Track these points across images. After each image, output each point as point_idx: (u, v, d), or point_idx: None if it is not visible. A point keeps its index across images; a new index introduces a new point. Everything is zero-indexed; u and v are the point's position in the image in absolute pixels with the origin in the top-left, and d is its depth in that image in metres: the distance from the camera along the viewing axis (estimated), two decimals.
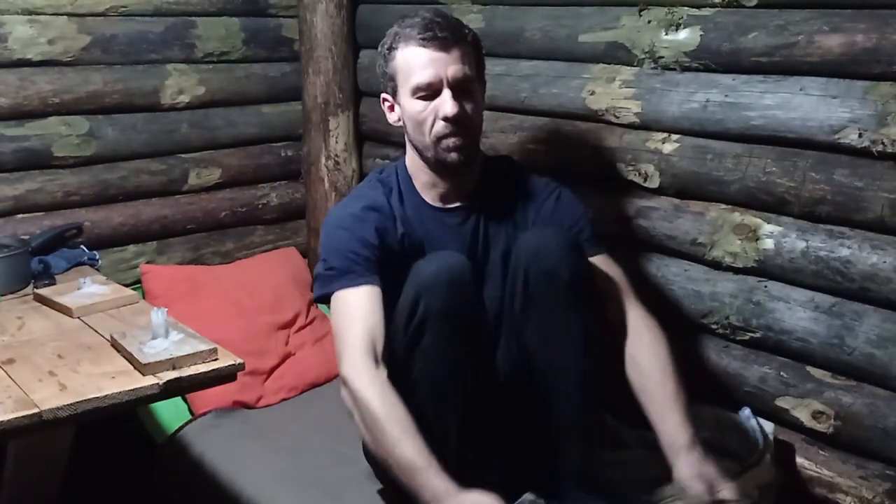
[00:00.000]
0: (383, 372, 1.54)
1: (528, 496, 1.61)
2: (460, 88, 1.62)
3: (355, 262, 1.62)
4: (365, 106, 2.65)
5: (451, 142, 1.64)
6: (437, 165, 1.69)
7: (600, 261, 1.72)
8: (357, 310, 1.58)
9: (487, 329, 1.70)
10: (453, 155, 1.65)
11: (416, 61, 1.61)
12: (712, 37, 1.77)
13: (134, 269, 2.46)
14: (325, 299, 1.65)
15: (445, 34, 1.61)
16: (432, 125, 1.63)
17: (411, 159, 1.75)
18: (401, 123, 1.72)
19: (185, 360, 1.49)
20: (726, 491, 1.45)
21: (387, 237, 1.67)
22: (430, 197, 1.74)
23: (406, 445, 1.45)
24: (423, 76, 1.61)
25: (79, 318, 1.76)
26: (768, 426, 1.74)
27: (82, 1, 2.28)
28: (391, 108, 1.73)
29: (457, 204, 1.74)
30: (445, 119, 1.61)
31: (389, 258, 1.65)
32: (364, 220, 1.66)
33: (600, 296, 1.70)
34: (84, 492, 2.01)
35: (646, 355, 1.64)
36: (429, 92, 1.62)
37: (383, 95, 1.73)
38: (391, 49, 1.66)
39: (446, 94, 1.61)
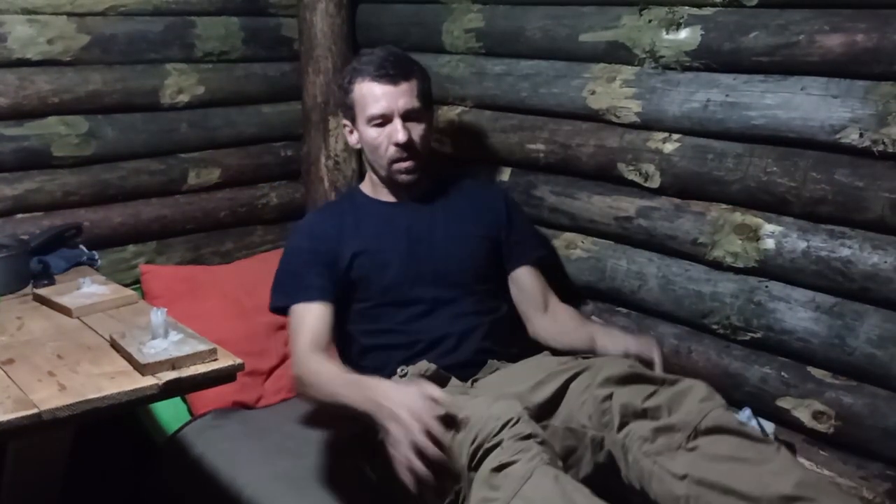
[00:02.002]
0: (322, 354, 1.78)
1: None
2: (409, 117, 1.87)
3: (299, 278, 1.88)
4: None
5: (402, 165, 1.89)
6: (389, 182, 1.95)
7: (528, 273, 2.00)
8: (301, 323, 1.83)
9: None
10: (404, 176, 1.91)
11: (370, 94, 1.86)
12: (713, 36, 1.77)
13: (133, 269, 2.45)
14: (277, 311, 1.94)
15: (395, 71, 1.86)
16: (386, 149, 1.88)
17: (368, 175, 2.03)
18: (359, 146, 1.97)
19: (185, 360, 1.49)
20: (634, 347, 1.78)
21: (327, 244, 1.91)
22: (385, 196, 1.99)
23: (343, 377, 1.68)
24: (377, 108, 1.86)
25: (78, 318, 1.76)
26: (769, 426, 1.74)
27: (82, 0, 2.28)
28: (351, 132, 1.98)
29: (412, 197, 1.97)
30: (396, 144, 1.85)
31: (335, 259, 1.90)
32: (310, 246, 1.92)
33: (522, 308, 2.01)
34: (84, 492, 2.01)
35: (562, 316, 1.99)
36: (382, 121, 1.87)
37: (344, 121, 2.00)
38: (350, 83, 1.91)
39: (397, 122, 1.85)
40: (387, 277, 1.90)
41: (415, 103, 1.87)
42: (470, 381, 1.81)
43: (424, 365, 1.77)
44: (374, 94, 1.86)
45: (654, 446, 1.47)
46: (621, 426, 1.51)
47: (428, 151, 1.93)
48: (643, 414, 1.51)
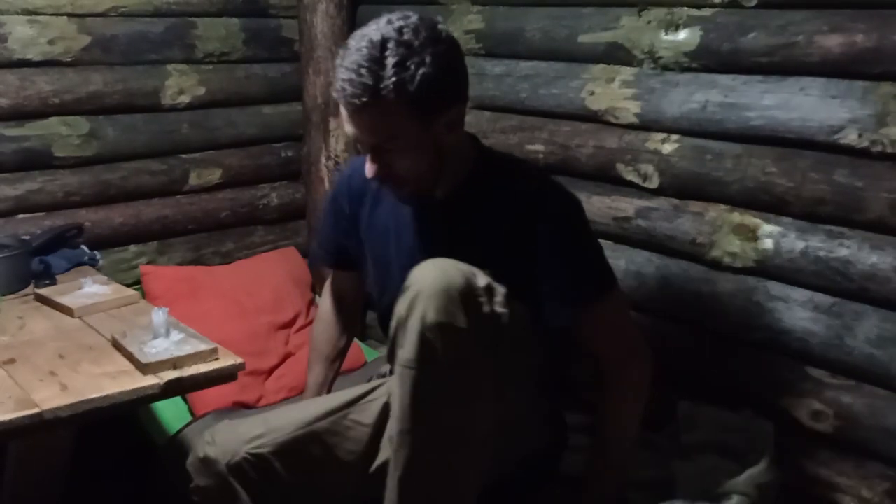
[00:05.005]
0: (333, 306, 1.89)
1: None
2: (378, 150, 1.46)
3: (328, 251, 1.84)
4: None
5: (390, 190, 1.56)
6: None
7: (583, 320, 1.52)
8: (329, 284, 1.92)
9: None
10: (398, 198, 1.58)
11: (342, 112, 1.45)
12: (712, 37, 1.77)
13: (134, 269, 2.46)
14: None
15: (352, 100, 1.39)
16: None
17: None
18: None
19: (186, 359, 1.50)
20: None
21: (347, 215, 1.72)
22: None
23: (310, 370, 1.88)
24: (349, 130, 1.46)
25: (79, 318, 1.76)
26: (768, 426, 1.74)
27: (82, 1, 2.29)
28: None
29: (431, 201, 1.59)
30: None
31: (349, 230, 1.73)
32: (331, 206, 1.79)
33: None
34: (84, 492, 2.01)
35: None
36: (357, 142, 1.54)
37: None
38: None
39: (367, 155, 1.48)
40: (380, 285, 1.68)
41: (373, 138, 1.44)
42: None
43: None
44: (344, 115, 1.45)
45: None
46: None
47: (416, 175, 1.50)
48: None
